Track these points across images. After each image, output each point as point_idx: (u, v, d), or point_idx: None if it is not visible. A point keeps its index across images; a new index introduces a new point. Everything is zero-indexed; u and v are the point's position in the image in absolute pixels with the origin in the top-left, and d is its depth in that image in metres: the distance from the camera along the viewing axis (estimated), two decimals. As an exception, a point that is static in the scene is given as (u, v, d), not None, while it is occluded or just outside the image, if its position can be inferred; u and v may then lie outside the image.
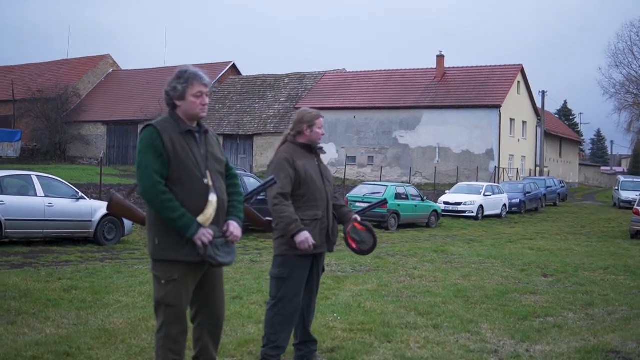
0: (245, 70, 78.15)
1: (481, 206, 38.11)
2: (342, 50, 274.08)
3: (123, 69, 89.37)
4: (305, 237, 7.11)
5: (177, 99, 5.88)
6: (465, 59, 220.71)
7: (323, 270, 7.83)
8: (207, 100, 5.97)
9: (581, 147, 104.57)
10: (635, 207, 30.72)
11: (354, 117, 65.43)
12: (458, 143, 61.19)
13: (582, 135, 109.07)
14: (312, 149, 7.62)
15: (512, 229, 33.91)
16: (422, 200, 33.52)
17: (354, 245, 7.71)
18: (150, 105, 68.81)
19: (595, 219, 41.55)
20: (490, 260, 19.31)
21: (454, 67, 67.08)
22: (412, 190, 33.64)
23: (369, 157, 65.35)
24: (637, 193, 48.36)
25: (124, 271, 15.18)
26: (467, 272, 16.40)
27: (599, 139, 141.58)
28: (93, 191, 31.55)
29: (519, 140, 65.96)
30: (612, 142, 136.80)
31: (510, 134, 63.58)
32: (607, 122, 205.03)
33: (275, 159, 7.42)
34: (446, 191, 42.85)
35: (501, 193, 41.35)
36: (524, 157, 68.12)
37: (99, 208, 20.70)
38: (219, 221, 5.90)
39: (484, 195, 38.95)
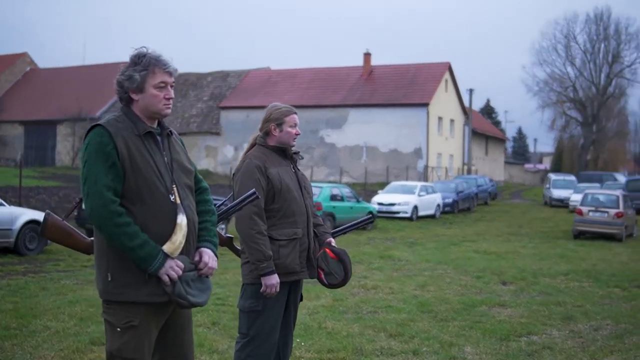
0: (168, 69, 76.34)
1: (415, 207, 37.09)
2: (266, 48, 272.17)
3: (41, 67, 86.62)
4: (274, 283, 5.81)
5: (134, 92, 4.60)
6: (393, 57, 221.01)
7: (301, 299, 6.39)
8: (172, 93, 4.68)
9: (505, 146, 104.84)
10: (578, 207, 30.27)
11: (280, 115, 64.09)
12: (386, 142, 60.39)
13: (505, 133, 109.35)
14: (287, 154, 6.25)
15: (449, 230, 32.95)
16: (358, 201, 32.31)
17: (321, 276, 6.22)
18: (69, 106, 66.92)
19: (530, 218, 40.96)
20: (441, 266, 18.48)
21: (381, 65, 66.27)
22: (347, 192, 32.32)
23: (295, 156, 63.97)
24: (569, 191, 48.37)
25: (50, 288, 13.46)
26: (423, 282, 15.38)
27: (520, 137, 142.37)
28: (12, 195, 29.84)
29: (446, 139, 65.58)
30: (535, 140, 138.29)
31: (438, 132, 63.09)
32: (530, 120, 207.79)
33: (242, 166, 6.06)
34: (379, 191, 41.85)
35: (434, 193, 40.46)
36: (452, 155, 67.84)
37: (20, 215, 18.86)
38: (189, 249, 4.64)
39: (418, 195, 37.95)
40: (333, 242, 6.32)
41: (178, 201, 4.57)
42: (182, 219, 4.53)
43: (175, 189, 4.59)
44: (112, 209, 4.31)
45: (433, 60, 66.62)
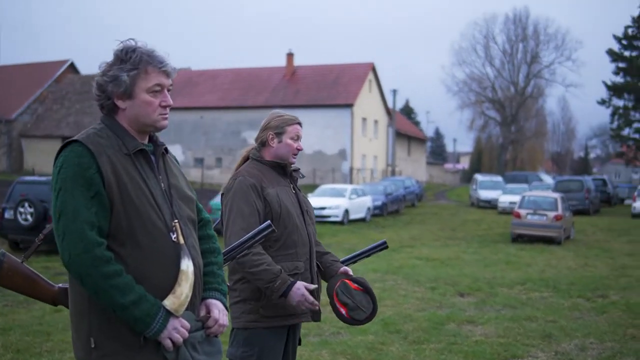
0: (85, 69, 74.33)
1: (347, 210, 36.14)
2: (187, 48, 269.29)
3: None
4: (301, 294, 4.78)
5: (120, 97, 3.56)
6: (316, 58, 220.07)
7: (299, 342, 5.31)
8: (170, 99, 3.64)
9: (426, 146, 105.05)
10: (515, 209, 29.70)
11: (201, 117, 63.20)
12: (310, 143, 59.55)
13: (426, 134, 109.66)
14: (286, 171, 5.20)
15: (383, 234, 32.06)
16: (291, 206, 31.17)
17: (343, 312, 5.07)
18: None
19: (461, 220, 40.39)
20: (389, 276, 17.75)
21: (304, 66, 65.62)
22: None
23: (217, 158, 63.14)
24: (497, 192, 48.14)
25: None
26: (377, 295, 14.10)
27: (437, 137, 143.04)
28: None
29: (370, 140, 65.14)
30: (455, 140, 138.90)
31: (363, 133, 62.54)
32: (450, 120, 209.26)
33: (234, 185, 4.97)
34: (308, 195, 40.76)
35: (365, 195, 39.62)
36: (376, 157, 67.53)
37: None
38: (194, 301, 3.61)
39: (349, 198, 37.01)
40: (350, 270, 5.23)
41: (181, 241, 3.53)
42: (187, 265, 3.49)
43: (177, 224, 3.55)
44: (98, 255, 3.27)
45: (357, 61, 65.88)
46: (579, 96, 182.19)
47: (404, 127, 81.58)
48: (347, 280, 5.12)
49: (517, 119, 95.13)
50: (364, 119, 62.70)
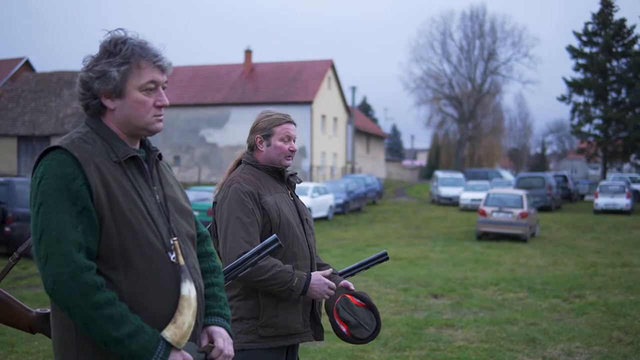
0: (41, 67, 73.27)
1: (309, 209, 35.62)
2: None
3: None
4: (322, 283, 4.49)
5: (108, 96, 3.10)
6: (275, 55, 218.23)
7: None
8: (166, 98, 3.18)
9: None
10: (480, 207, 29.51)
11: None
12: (269, 141, 59.05)
13: (384, 131, 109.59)
14: (283, 176, 4.75)
15: (347, 232, 31.74)
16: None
17: (344, 329, 4.67)
18: None
19: (423, 217, 40.16)
20: (360, 277, 17.02)
21: (263, 63, 64.99)
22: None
23: (175, 157, 62.26)
24: (458, 189, 48.03)
25: None
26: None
27: (395, 134, 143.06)
28: None
29: (330, 137, 64.72)
30: (412, 136, 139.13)
31: (322, 131, 62.14)
32: (407, 117, 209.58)
33: (228, 193, 4.49)
34: (269, 193, 40.34)
35: (327, 193, 39.26)
36: (336, 154, 67.12)
37: None
38: (196, 331, 3.16)
39: (311, 196, 36.60)
40: (350, 284, 4.78)
41: (181, 261, 3.07)
42: (189, 289, 3.05)
43: (176, 243, 3.09)
44: (87, 281, 2.80)
45: (316, 58, 65.47)
46: (536, 93, 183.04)
47: (363, 124, 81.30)
48: (348, 296, 4.71)
49: (474, 116, 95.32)
50: (324, 116, 62.31)
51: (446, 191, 50.83)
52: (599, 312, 12.65)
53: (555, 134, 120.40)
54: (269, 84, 61.24)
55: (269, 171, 4.65)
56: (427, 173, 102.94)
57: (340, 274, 4.93)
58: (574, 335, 10.73)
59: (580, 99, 62.68)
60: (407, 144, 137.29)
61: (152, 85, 3.09)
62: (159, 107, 3.13)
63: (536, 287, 15.64)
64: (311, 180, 54.43)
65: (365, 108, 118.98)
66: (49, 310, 3.39)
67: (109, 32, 3.12)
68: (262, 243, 3.93)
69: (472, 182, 50.10)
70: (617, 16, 63.01)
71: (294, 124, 4.77)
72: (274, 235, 3.93)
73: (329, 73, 63.61)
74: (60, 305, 2.83)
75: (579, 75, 62.41)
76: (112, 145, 3.06)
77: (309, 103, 58.28)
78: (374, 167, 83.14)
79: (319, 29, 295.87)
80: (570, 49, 62.35)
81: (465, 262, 20.96)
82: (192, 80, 64.05)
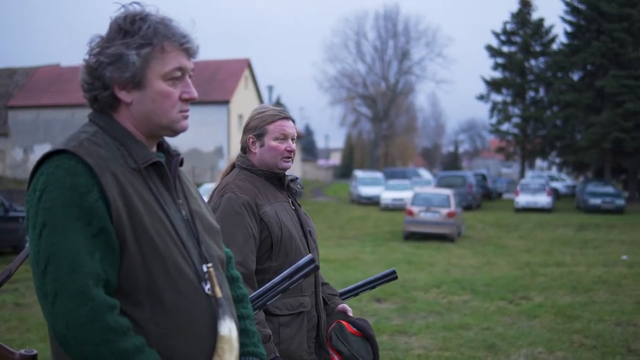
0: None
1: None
2: (56, 44, 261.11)
3: None
4: None
5: (124, 87, 2.48)
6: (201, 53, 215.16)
7: None
8: (194, 90, 2.62)
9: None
10: (407, 207, 29.32)
11: (72, 115, 60.82)
12: (185, 141, 58.24)
13: (300, 131, 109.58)
14: (283, 182, 4.18)
15: (271, 234, 31.21)
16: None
17: None
18: None
19: (346, 218, 39.87)
20: None
21: (181, 61, 64.02)
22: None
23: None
24: (378, 188, 47.93)
25: None
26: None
27: (308, 134, 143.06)
28: None
29: (247, 137, 64.22)
30: (327, 136, 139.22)
31: (239, 130, 61.41)
32: (322, 117, 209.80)
33: (221, 203, 3.91)
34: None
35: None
36: (253, 154, 66.53)
37: None
38: None
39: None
40: (349, 310, 4.25)
41: (218, 293, 2.50)
42: (229, 328, 2.49)
43: (210, 270, 2.51)
44: (111, 324, 2.21)
45: (233, 57, 64.85)
46: (449, 92, 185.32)
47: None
48: (344, 323, 4.12)
49: (388, 115, 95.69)
50: (240, 116, 61.71)
51: (366, 191, 50.44)
52: (549, 314, 12.40)
53: (467, 133, 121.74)
54: (195, 81, 60.30)
55: (267, 177, 4.09)
56: (341, 172, 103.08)
57: (341, 294, 4.40)
58: (534, 340, 10.44)
59: (498, 97, 63.31)
60: (320, 144, 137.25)
61: (179, 74, 2.52)
62: (186, 101, 2.58)
63: (479, 289, 15.38)
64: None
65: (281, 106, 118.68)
66: (35, 351, 2.82)
67: (122, 5, 2.51)
68: (296, 265, 3.39)
69: (392, 182, 49.93)
70: (535, 16, 63.85)
71: (292, 120, 4.19)
72: (310, 256, 3.41)
73: (246, 72, 63.08)
74: (74, 354, 2.24)
75: (497, 75, 63.00)
76: (128, 149, 2.46)
77: (226, 102, 57.68)
78: (291, 167, 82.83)
79: (235, 27, 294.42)
80: (489, 48, 62.91)
81: (398, 263, 20.51)
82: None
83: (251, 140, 4.09)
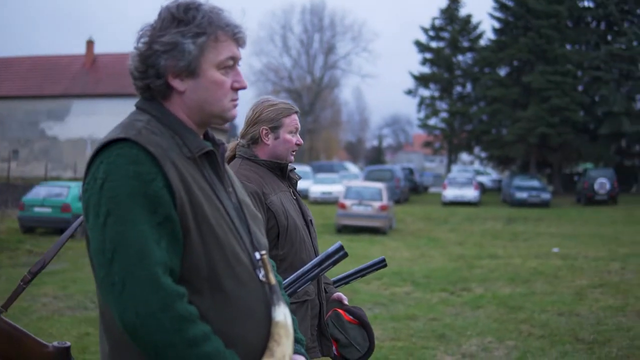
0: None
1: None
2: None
3: None
4: None
5: (178, 75, 2.46)
6: (118, 46, 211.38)
7: None
8: (244, 79, 2.58)
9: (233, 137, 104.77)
10: (340, 200, 29.47)
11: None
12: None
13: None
14: (285, 172, 4.20)
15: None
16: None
17: (333, 348, 4.14)
18: None
19: (276, 211, 39.80)
20: None
21: (105, 54, 63.10)
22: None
23: (13, 151, 59.78)
24: (307, 182, 47.94)
25: None
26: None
27: (233, 127, 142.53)
28: None
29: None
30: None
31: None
32: (247, 110, 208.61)
33: None
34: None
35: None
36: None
37: None
38: None
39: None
40: (344, 298, 4.30)
41: (272, 280, 2.51)
42: (284, 314, 2.51)
43: (264, 257, 2.51)
44: (181, 312, 2.22)
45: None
46: (374, 86, 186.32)
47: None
48: (340, 311, 4.19)
49: (313, 109, 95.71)
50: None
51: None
52: (492, 305, 12.66)
53: (391, 127, 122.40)
54: (111, 75, 59.50)
55: (270, 167, 4.10)
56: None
57: (334, 282, 4.42)
58: (482, 330, 10.66)
59: (426, 92, 64.06)
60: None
61: (231, 63, 2.51)
62: (236, 90, 2.56)
63: (419, 280, 15.61)
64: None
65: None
66: (69, 343, 2.82)
67: None
68: (325, 252, 3.46)
69: (320, 175, 50.02)
70: (463, 12, 64.90)
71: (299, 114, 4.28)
72: (339, 243, 3.48)
73: (173, 64, 62.66)
74: (144, 344, 2.22)
75: (425, 70, 63.68)
76: (182, 137, 2.45)
77: (153, 95, 57.25)
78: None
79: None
80: (418, 43, 63.56)
81: None
82: (31, 71, 61.62)
83: (265, 131, 4.08)
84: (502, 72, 57.47)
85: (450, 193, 43.46)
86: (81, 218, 2.64)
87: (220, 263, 2.37)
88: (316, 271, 3.44)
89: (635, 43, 52.96)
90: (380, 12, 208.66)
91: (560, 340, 9.81)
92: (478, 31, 62.89)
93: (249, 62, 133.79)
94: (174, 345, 2.18)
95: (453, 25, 62.84)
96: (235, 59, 2.52)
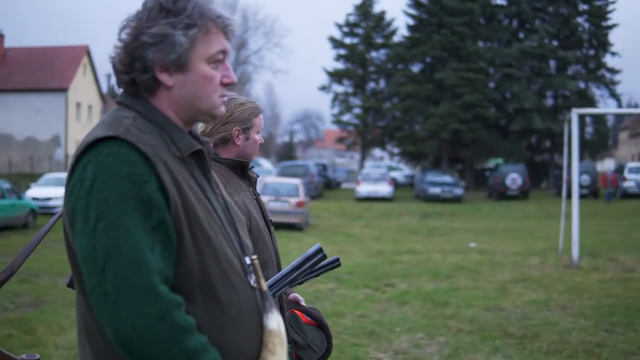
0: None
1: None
2: None
3: None
4: None
5: (166, 69, 2.30)
6: (29, 39, 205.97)
7: None
8: (234, 74, 2.42)
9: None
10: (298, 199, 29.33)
11: None
12: (21, 129, 56.66)
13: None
14: (246, 170, 4.07)
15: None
16: (19, 197, 29.01)
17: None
18: None
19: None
20: None
21: (16, 48, 61.88)
22: (7, 186, 28.89)
23: None
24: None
25: None
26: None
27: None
28: None
29: (85, 126, 62.70)
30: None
31: (77, 119, 60.14)
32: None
33: None
34: (31, 185, 38.43)
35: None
36: (90, 143, 65.21)
37: None
38: None
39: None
40: (301, 299, 4.14)
41: (263, 286, 2.40)
42: (278, 322, 2.39)
43: (255, 262, 2.40)
44: (179, 322, 2.06)
45: (71, 44, 63.26)
46: (286, 82, 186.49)
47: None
48: (298, 312, 4.02)
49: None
50: (79, 104, 60.43)
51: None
52: (418, 300, 12.72)
53: (302, 123, 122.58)
54: (22, 69, 58.50)
55: (231, 166, 3.98)
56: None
57: (290, 282, 4.35)
58: (411, 327, 10.69)
59: (340, 88, 64.39)
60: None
61: (221, 56, 2.36)
62: (225, 85, 2.40)
63: (342, 277, 15.55)
64: (66, 169, 52.57)
65: (115, 96, 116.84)
66: (38, 356, 2.72)
67: None
68: (304, 254, 3.35)
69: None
70: (377, 8, 65.53)
71: None
72: (318, 245, 3.38)
73: (85, 59, 61.72)
74: (139, 357, 2.06)
75: (339, 66, 63.95)
76: (170, 136, 2.30)
77: (64, 90, 56.44)
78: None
79: (74, 13, 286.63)
80: (332, 39, 63.86)
81: (289, 253, 20.46)
82: (-63, 65, 60.34)
83: (237, 132, 3.94)
84: (416, 68, 58.24)
85: (364, 189, 43.73)
86: (48, 225, 2.52)
87: (214, 269, 2.24)
88: (294, 274, 3.33)
89: (546, 40, 54.00)
90: (293, 8, 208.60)
91: (490, 336, 9.90)
92: (392, 28, 63.74)
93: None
94: (171, 358, 2.05)
95: (367, 21, 63.47)
96: (225, 53, 2.38)
